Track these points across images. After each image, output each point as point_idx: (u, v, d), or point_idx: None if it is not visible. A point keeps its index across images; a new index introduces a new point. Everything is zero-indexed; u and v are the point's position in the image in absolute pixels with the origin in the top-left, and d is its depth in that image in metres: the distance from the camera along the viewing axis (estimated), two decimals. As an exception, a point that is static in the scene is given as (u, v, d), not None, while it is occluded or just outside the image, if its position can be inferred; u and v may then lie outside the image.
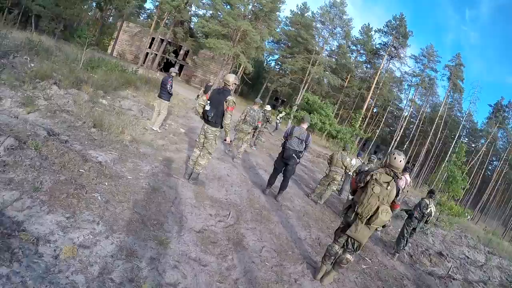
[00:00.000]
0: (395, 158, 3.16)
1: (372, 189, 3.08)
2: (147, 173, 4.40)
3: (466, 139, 48.38)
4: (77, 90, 7.96)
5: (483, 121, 58.14)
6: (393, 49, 42.64)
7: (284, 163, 5.75)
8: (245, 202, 4.92)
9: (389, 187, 3.08)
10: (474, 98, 41.71)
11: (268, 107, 11.21)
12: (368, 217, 3.13)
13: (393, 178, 3.12)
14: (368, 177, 3.16)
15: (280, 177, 5.98)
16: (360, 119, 40.97)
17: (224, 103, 4.38)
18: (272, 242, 4.01)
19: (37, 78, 7.68)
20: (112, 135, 5.48)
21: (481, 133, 49.98)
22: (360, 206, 3.15)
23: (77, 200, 3.06)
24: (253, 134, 10.73)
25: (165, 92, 7.62)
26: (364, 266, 4.63)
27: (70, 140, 4.63)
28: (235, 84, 4.57)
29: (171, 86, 7.70)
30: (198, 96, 16.24)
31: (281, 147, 5.88)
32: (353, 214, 3.29)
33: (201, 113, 4.57)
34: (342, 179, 7.05)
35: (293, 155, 5.62)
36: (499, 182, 50.40)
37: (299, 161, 5.83)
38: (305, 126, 5.78)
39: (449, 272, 6.18)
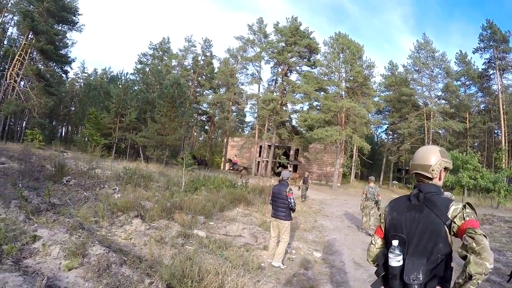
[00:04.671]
0: None
1: None
2: None
3: None
4: (167, 221, 6.43)
5: None
6: (500, 61, 37.03)
7: None
8: None
9: None
10: None
11: None
12: None
13: None
14: None
15: None
16: (504, 156, 34.62)
17: (445, 228, 1.57)
18: None
19: (119, 211, 6.55)
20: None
21: None
22: None
23: None
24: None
25: (283, 209, 5.06)
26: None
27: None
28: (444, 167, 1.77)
29: (294, 199, 5.08)
30: (302, 196, 14.85)
31: None
32: None
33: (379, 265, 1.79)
34: None
35: None
36: None
37: None
38: None
39: None
